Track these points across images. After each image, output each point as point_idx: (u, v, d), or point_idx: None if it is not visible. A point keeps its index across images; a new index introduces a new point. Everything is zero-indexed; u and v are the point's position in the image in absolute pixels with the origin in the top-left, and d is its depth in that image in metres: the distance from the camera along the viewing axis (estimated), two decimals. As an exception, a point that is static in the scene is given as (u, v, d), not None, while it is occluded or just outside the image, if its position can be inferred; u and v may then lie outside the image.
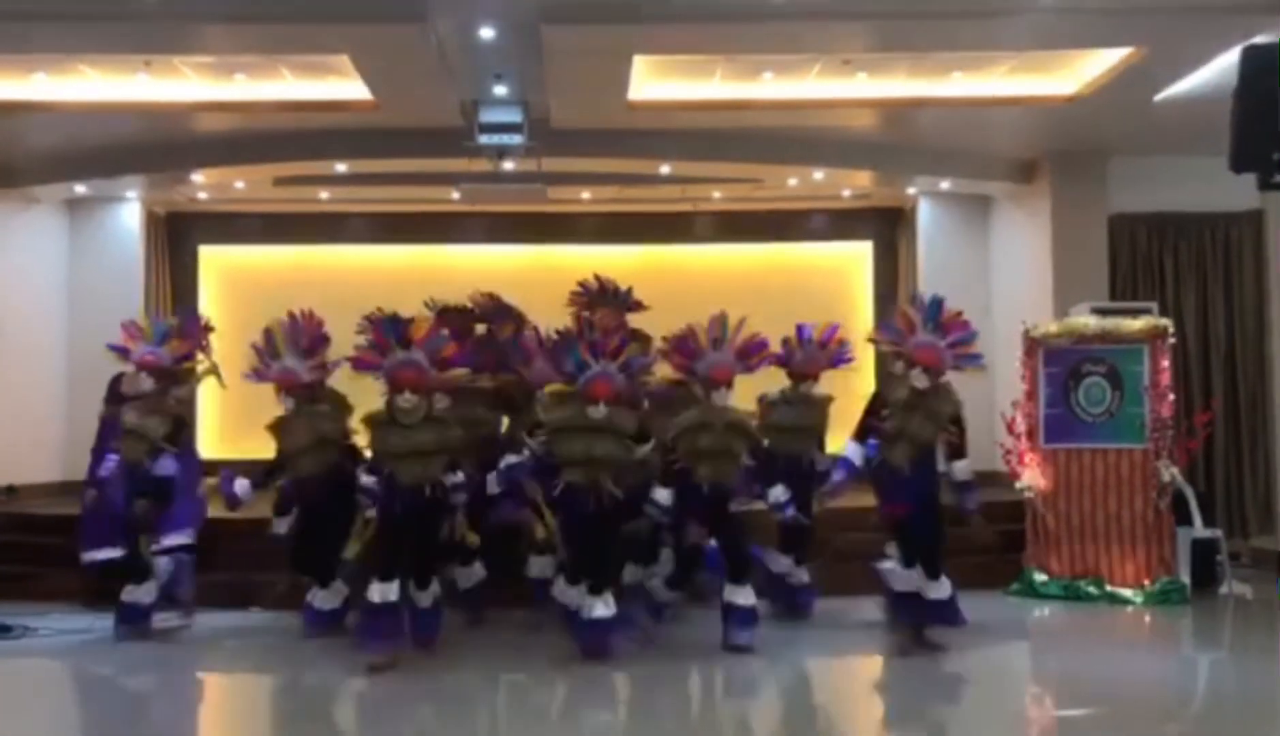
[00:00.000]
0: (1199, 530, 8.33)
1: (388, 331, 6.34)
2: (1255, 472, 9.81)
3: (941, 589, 6.64)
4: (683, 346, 6.76)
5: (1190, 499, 8.34)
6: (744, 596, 6.63)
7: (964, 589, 6.87)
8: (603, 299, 8.14)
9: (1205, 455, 9.58)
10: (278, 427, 7.08)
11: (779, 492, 6.82)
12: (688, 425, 6.59)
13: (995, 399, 9.32)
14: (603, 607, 6.34)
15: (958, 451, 6.81)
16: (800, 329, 7.48)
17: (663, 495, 6.59)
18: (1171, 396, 8.43)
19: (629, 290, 8.20)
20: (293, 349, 7.09)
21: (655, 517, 6.72)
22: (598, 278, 8.28)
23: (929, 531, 6.70)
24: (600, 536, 6.47)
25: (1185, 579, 8.14)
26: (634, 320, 8.18)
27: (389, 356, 6.32)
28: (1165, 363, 8.39)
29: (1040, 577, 8.25)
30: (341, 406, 7.23)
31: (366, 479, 6.57)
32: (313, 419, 7.05)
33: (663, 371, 7.10)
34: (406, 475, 6.36)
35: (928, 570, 6.62)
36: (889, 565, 6.85)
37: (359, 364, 6.49)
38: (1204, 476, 9.51)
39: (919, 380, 6.65)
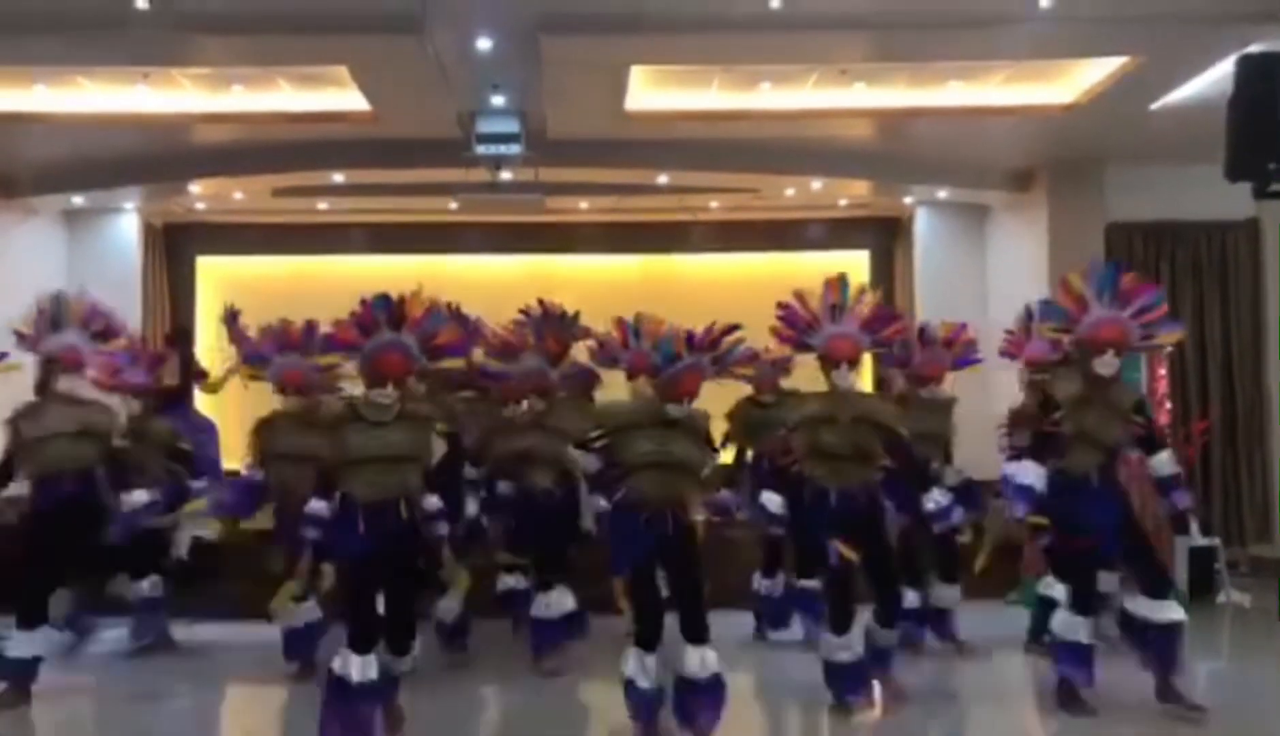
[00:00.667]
0: (1196, 538, 8.32)
1: (378, 308, 5.05)
2: (1253, 481, 9.82)
3: (1172, 610, 5.39)
4: (791, 317, 5.62)
5: (1188, 507, 8.33)
6: (889, 639, 5.69)
7: (962, 598, 6.89)
8: (547, 323, 7.64)
9: (1203, 463, 9.59)
10: (26, 413, 6.04)
11: (938, 496, 5.74)
12: (811, 416, 5.52)
13: (993, 408, 9.32)
14: (708, 662, 4.98)
15: (1152, 443, 5.64)
16: (922, 328, 6.99)
17: (772, 501, 5.56)
18: (1168, 404, 8.43)
19: (576, 315, 7.58)
20: (80, 327, 6.13)
21: (762, 526, 5.87)
22: (541, 302, 7.75)
23: (1137, 547, 5.54)
24: (690, 568, 5.16)
25: (1183, 587, 8.13)
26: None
27: (373, 337, 5.03)
28: (1162, 371, 8.40)
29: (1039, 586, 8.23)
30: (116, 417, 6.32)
31: (315, 504, 5.12)
32: (79, 405, 6.06)
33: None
34: (367, 487, 4.98)
35: (1153, 589, 5.41)
36: (1060, 618, 5.59)
37: (335, 342, 5.24)
38: (1201, 485, 9.51)
39: (1106, 367, 5.44)
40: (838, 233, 12.10)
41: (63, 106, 8.50)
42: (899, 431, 5.59)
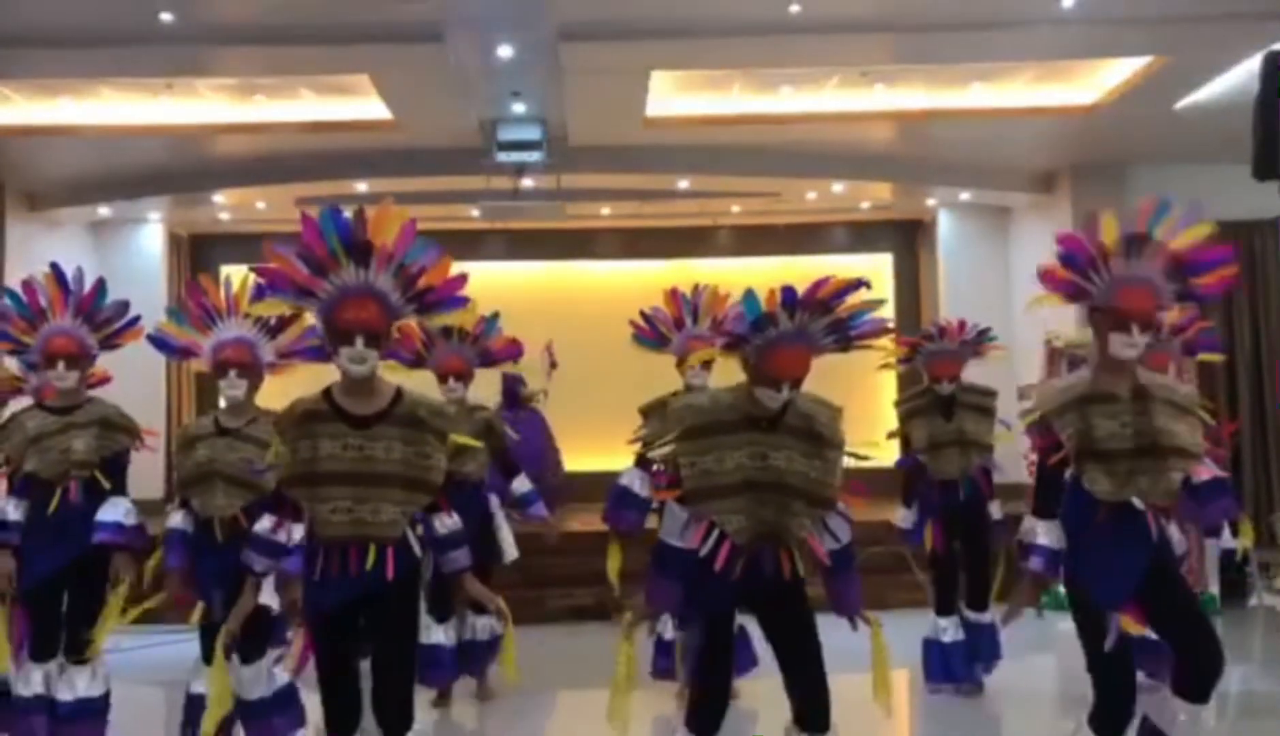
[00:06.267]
0: (1227, 541, 8.23)
1: (328, 227, 3.30)
2: (1284, 482, 9.73)
3: None
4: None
5: (1218, 509, 8.25)
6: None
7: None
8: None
9: (1233, 465, 9.48)
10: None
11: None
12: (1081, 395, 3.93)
13: (1018, 409, 9.27)
14: None
15: None
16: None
17: (1051, 534, 4.01)
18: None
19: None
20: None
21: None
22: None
23: None
24: (805, 636, 3.56)
25: (1214, 590, 8.05)
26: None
27: (332, 274, 3.35)
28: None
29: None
30: None
31: (262, 524, 3.57)
32: None
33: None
34: (334, 516, 3.37)
35: None
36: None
37: (275, 281, 3.40)
38: (1232, 487, 9.41)
39: None
40: (860, 236, 12.11)
41: (88, 119, 8.58)
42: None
